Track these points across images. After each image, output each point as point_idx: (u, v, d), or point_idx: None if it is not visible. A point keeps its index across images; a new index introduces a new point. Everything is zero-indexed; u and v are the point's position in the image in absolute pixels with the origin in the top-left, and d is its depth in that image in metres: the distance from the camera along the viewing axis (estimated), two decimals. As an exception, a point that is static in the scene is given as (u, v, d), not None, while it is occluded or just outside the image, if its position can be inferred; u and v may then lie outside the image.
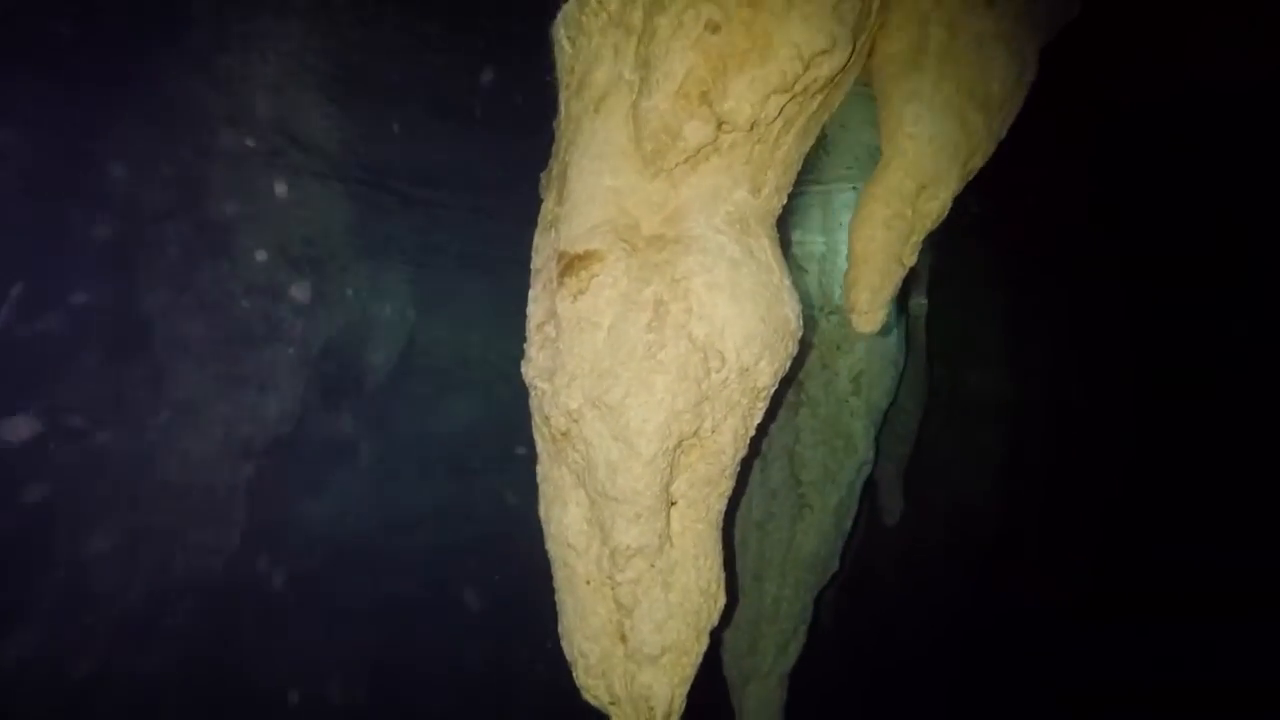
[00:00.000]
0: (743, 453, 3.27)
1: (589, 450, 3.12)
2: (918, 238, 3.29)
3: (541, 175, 3.61)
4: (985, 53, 3.12)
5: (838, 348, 6.05)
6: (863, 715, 7.64)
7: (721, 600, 3.28)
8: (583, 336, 3.10)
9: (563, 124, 3.45)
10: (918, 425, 7.49)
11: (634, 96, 3.12)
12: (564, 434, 3.22)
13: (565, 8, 3.60)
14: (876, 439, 6.13)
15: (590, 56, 3.37)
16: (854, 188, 5.91)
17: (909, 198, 3.19)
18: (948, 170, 3.18)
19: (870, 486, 6.80)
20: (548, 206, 3.41)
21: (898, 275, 3.27)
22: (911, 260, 3.31)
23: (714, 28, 2.86)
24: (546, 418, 3.25)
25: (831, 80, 2.99)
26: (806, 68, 2.83)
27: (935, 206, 3.25)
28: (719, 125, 2.97)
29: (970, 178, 3.27)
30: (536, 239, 3.43)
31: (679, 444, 3.09)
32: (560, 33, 3.64)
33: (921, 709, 8.15)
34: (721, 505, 3.29)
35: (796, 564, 5.92)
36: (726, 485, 3.26)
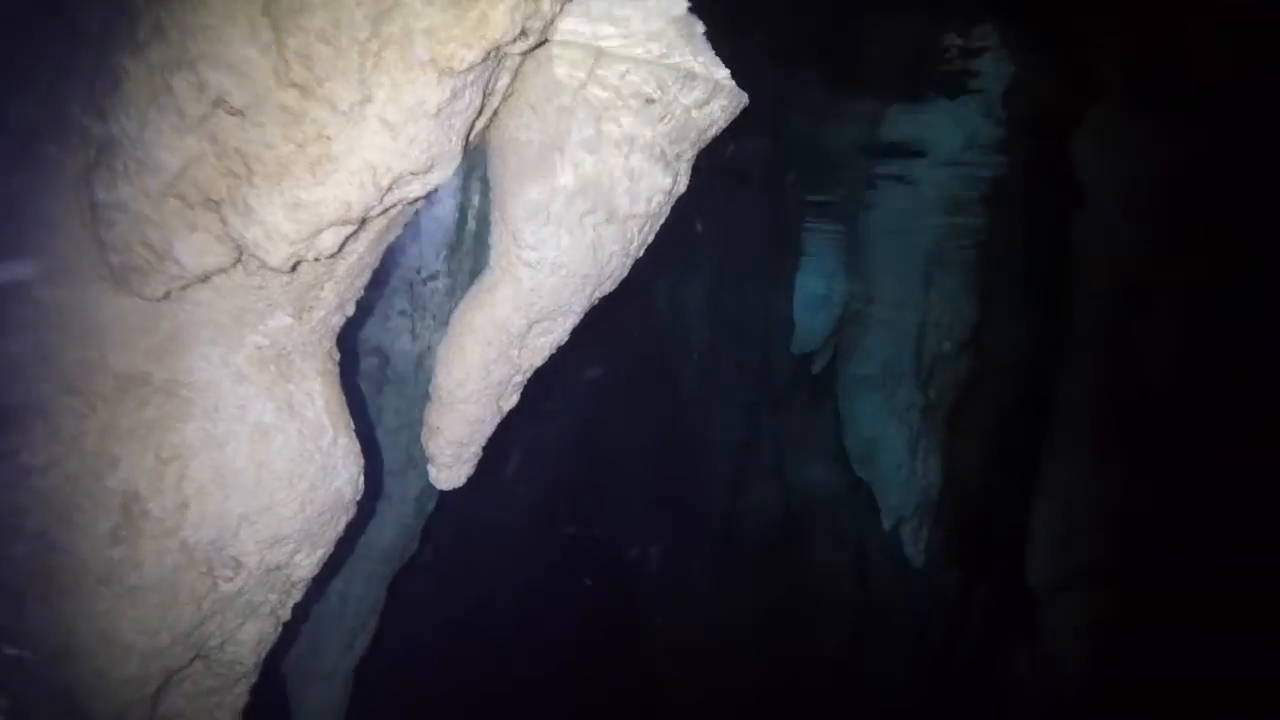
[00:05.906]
0: (272, 642, 2.45)
1: (30, 705, 2.06)
2: (523, 377, 2.58)
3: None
4: (633, 163, 2.37)
5: (433, 317, 5.23)
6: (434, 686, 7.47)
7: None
8: (-5, 546, 1.94)
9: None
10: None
11: (87, 164, 1.85)
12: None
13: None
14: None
15: None
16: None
17: (518, 336, 2.44)
18: (570, 303, 2.46)
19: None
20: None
21: (491, 425, 2.56)
22: (512, 403, 2.60)
23: (234, 110, 1.70)
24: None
25: (428, 194, 2.04)
26: (387, 192, 1.85)
27: (549, 341, 2.55)
28: (239, 249, 1.88)
29: (596, 302, 2.59)
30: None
31: (169, 679, 2.18)
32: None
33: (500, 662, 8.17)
34: (241, 703, 2.47)
35: (369, 558, 5.30)
36: (246, 684, 2.45)
